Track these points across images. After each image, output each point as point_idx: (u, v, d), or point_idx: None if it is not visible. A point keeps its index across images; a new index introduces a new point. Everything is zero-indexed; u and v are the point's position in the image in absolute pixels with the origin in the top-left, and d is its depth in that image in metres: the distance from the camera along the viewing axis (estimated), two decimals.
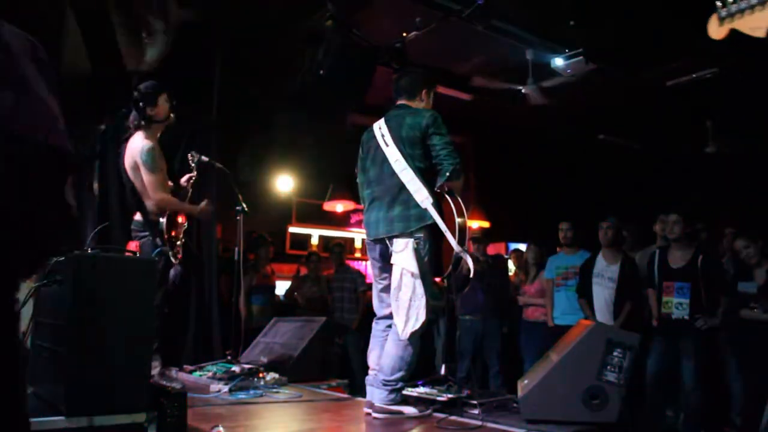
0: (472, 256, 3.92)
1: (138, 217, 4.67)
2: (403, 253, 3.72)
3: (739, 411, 5.61)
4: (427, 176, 3.82)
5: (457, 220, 3.73)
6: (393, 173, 3.84)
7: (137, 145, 4.60)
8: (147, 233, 4.58)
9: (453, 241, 3.70)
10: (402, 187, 3.79)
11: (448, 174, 3.75)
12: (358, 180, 4.18)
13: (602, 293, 5.95)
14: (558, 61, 7.31)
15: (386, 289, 3.93)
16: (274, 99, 7.71)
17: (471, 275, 3.99)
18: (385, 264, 3.91)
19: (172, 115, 4.78)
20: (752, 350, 5.52)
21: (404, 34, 7.04)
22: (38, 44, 1.34)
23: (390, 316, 3.85)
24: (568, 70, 7.29)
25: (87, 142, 5.86)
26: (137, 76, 5.59)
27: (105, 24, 5.64)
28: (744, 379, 5.59)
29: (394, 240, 3.77)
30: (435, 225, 3.73)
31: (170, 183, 4.84)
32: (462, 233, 3.74)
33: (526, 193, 10.31)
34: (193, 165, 5.10)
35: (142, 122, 4.61)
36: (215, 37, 6.82)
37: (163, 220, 4.55)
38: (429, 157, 3.84)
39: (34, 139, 1.23)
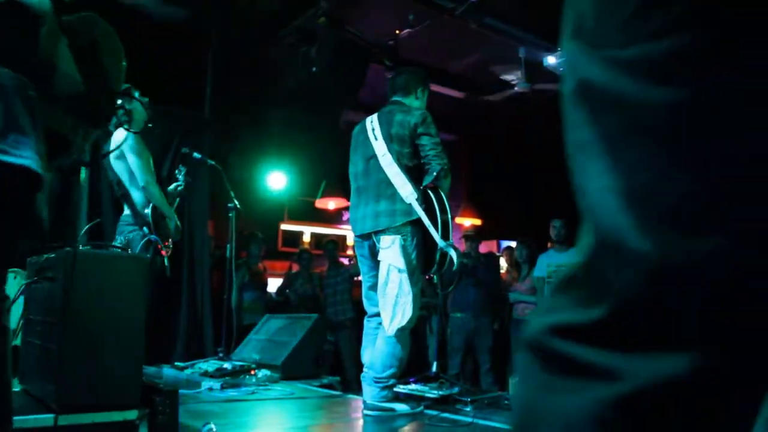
0: (463, 253, 3.93)
1: (126, 211, 4.69)
2: (390, 250, 3.72)
3: None
4: (413, 174, 3.82)
5: (440, 215, 3.74)
6: (379, 168, 3.84)
7: (122, 135, 4.63)
8: (134, 227, 4.59)
9: (437, 236, 3.71)
10: (388, 183, 3.80)
11: (435, 173, 3.76)
12: (349, 172, 4.19)
13: None
14: (550, 59, 7.31)
15: (374, 286, 3.93)
16: (266, 96, 7.70)
17: (458, 270, 4.00)
18: (374, 261, 3.91)
19: (148, 110, 4.82)
20: None
21: (397, 32, 7.04)
22: (29, 82, 1.51)
23: (380, 314, 3.86)
24: (561, 68, 7.30)
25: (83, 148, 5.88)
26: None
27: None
28: None
29: (381, 236, 3.77)
30: (422, 221, 3.74)
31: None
32: (445, 228, 3.75)
33: (518, 190, 10.32)
34: (179, 177, 5.16)
35: (125, 117, 4.69)
36: (208, 35, 6.81)
37: (148, 210, 4.57)
38: (417, 155, 3.84)
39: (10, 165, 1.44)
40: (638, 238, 0.61)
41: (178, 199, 5.29)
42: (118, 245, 4.37)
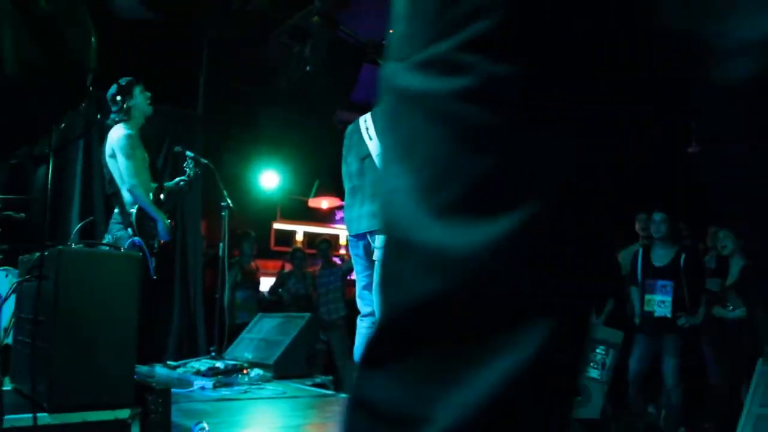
0: None
1: (117, 210, 4.68)
2: None
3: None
4: None
5: None
6: (374, 167, 3.83)
7: (116, 134, 4.63)
8: (122, 225, 4.59)
9: None
10: None
11: None
12: (342, 172, 4.18)
13: None
14: None
15: (368, 286, 3.93)
16: (260, 95, 7.70)
17: None
18: (369, 260, 3.90)
19: (150, 106, 4.80)
20: (726, 348, 5.58)
21: (391, 31, 7.03)
22: None
23: (373, 314, 3.86)
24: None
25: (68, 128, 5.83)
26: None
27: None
28: (722, 376, 5.65)
29: (377, 235, 3.76)
30: None
31: (155, 184, 4.86)
32: None
33: None
34: (187, 170, 5.13)
35: (122, 114, 4.66)
36: (202, 33, 6.80)
37: (133, 210, 4.55)
38: None
39: None
40: (428, 230, 0.59)
41: (181, 193, 5.26)
42: (107, 243, 4.35)
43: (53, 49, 1.79)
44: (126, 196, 4.59)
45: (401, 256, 0.62)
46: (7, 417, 2.46)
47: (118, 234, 4.56)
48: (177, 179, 5.15)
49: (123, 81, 4.70)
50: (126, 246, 4.39)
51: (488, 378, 0.56)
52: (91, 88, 2.03)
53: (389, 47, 0.69)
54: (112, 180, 4.66)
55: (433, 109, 0.60)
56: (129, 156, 4.57)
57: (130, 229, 4.51)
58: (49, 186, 2.56)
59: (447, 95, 0.59)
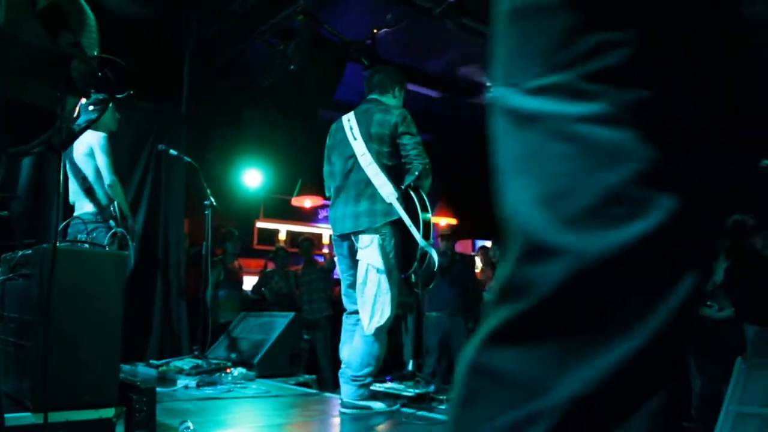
0: (438, 252, 3.96)
1: (88, 208, 4.69)
2: (369, 249, 3.73)
3: (696, 406, 5.73)
4: (393, 173, 3.83)
5: (422, 215, 3.76)
6: (359, 168, 3.85)
7: (95, 134, 4.71)
8: (98, 224, 4.63)
9: (418, 236, 3.73)
10: (368, 182, 3.80)
11: (417, 173, 3.78)
12: (324, 170, 4.19)
13: None
14: None
15: (353, 285, 3.94)
16: (243, 94, 7.67)
17: (436, 270, 4.03)
18: (353, 260, 3.92)
19: (115, 124, 4.95)
20: (708, 348, 5.64)
21: (375, 31, 7.05)
22: None
23: (358, 311, 3.87)
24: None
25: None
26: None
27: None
28: (702, 376, 5.71)
29: (360, 236, 3.78)
30: (401, 221, 3.75)
31: None
32: (426, 228, 3.77)
33: (493, 190, 10.36)
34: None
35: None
36: (186, 32, 6.77)
37: (114, 206, 4.69)
38: (397, 155, 3.85)
39: None
40: (561, 235, 0.67)
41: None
42: (90, 242, 4.37)
43: (58, 35, 1.80)
44: (101, 193, 4.67)
45: (531, 258, 0.70)
46: None
47: (93, 234, 4.60)
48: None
49: (101, 96, 4.72)
50: (107, 237, 4.45)
51: (608, 359, 0.65)
52: (99, 74, 2.05)
53: (493, 74, 0.78)
54: (85, 178, 4.73)
55: (556, 129, 0.69)
56: (108, 155, 4.72)
57: (112, 222, 4.59)
58: (60, 180, 2.55)
59: (571, 117, 0.68)
